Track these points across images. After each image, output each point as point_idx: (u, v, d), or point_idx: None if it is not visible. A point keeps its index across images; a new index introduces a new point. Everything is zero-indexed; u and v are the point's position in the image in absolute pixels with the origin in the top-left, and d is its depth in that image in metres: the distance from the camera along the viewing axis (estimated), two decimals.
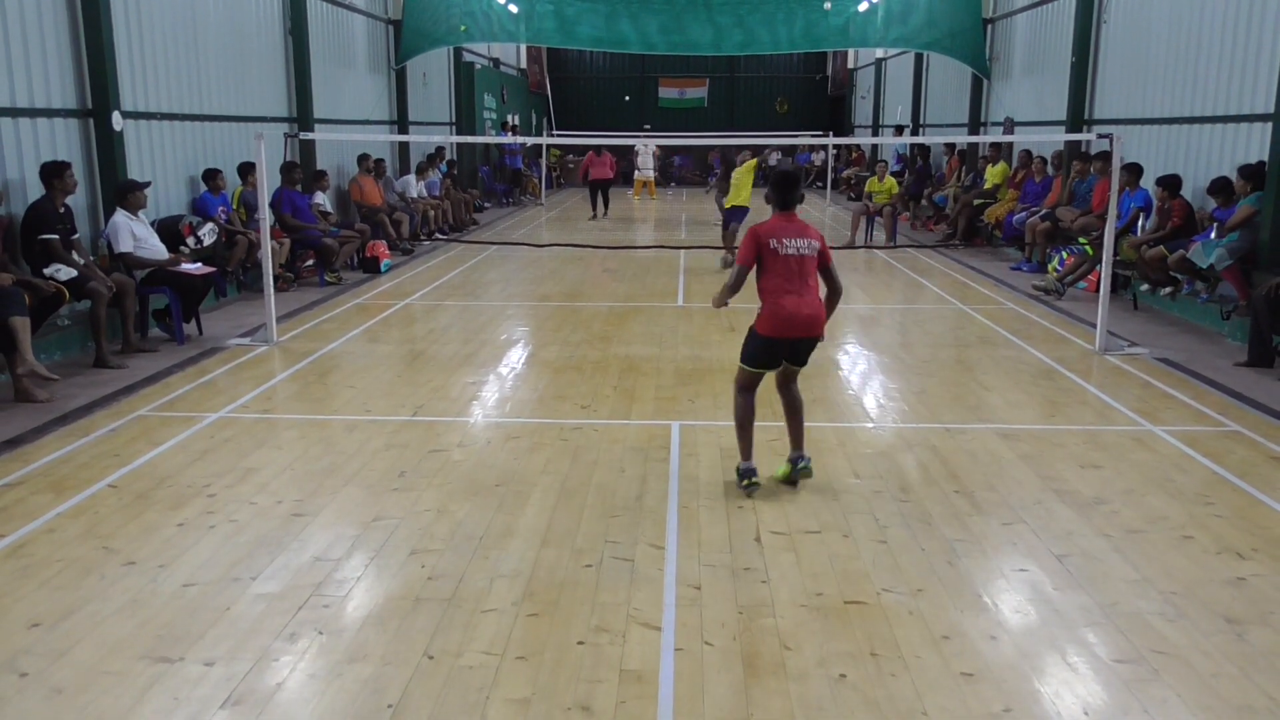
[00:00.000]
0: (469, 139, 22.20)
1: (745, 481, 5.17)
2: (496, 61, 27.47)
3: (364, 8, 16.83)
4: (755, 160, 13.38)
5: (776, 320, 5.13)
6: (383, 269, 12.78)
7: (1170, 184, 10.37)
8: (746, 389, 5.30)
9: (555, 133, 30.43)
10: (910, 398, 7.13)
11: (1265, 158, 9.08)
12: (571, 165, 32.40)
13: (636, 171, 25.83)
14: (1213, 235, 9.44)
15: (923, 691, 3.33)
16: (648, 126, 29.08)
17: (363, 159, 14.77)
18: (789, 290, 5.08)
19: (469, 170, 22.07)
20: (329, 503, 5.01)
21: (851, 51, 31.68)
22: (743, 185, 13.05)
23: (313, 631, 3.72)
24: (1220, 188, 9.78)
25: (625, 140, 21.82)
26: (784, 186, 5.15)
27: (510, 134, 25.50)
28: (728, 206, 13.37)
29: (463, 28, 18.79)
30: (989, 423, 6.46)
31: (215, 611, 3.86)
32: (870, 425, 6.51)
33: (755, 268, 5.17)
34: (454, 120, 22.44)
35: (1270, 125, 9.00)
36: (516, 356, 8.39)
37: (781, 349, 5.21)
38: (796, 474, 5.23)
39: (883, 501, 5.07)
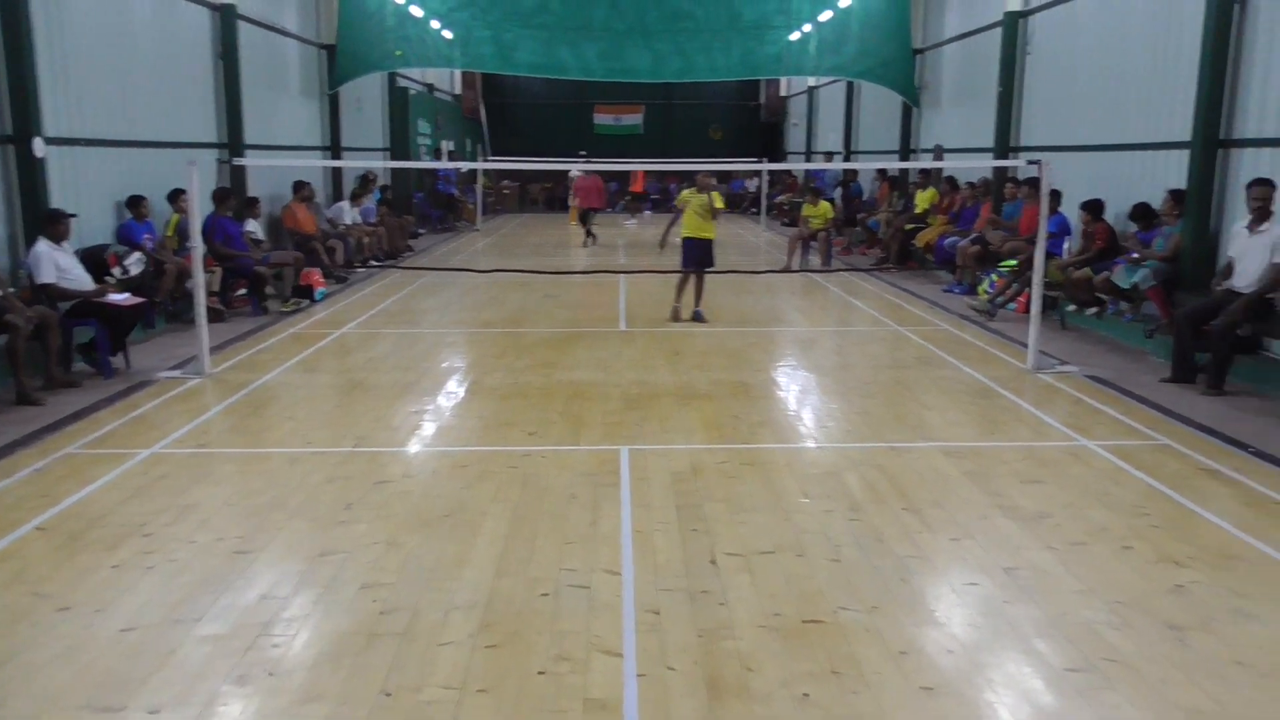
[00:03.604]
0: (404, 164, 22.03)
1: None
2: (431, 87, 27.37)
3: (297, 32, 16.66)
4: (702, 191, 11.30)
5: None
6: (317, 297, 12.58)
7: (1094, 208, 10.74)
8: None
9: (490, 158, 30.36)
10: (853, 418, 7.23)
11: (1184, 184, 9.44)
12: (506, 191, 32.39)
13: (572, 198, 25.88)
14: (1135, 256, 9.78)
15: (885, 707, 3.36)
16: (583, 153, 29.11)
17: (299, 186, 14.56)
18: None
19: (404, 196, 21.89)
20: (273, 538, 4.88)
21: (784, 80, 32.25)
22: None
23: (262, 673, 3.61)
24: (1141, 213, 10.15)
25: (561, 166, 21.80)
26: None
27: (444, 159, 25.39)
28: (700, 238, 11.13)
29: (397, 52, 18.69)
30: (931, 441, 6.57)
31: (158, 656, 3.73)
32: (815, 445, 6.57)
33: None
34: (389, 146, 22.27)
35: (1188, 153, 9.37)
36: (459, 384, 8.31)
37: None
38: None
39: (834, 520, 5.12)
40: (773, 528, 5.02)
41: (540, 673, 3.60)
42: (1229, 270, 8.23)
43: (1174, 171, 9.70)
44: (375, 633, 3.90)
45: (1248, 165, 8.80)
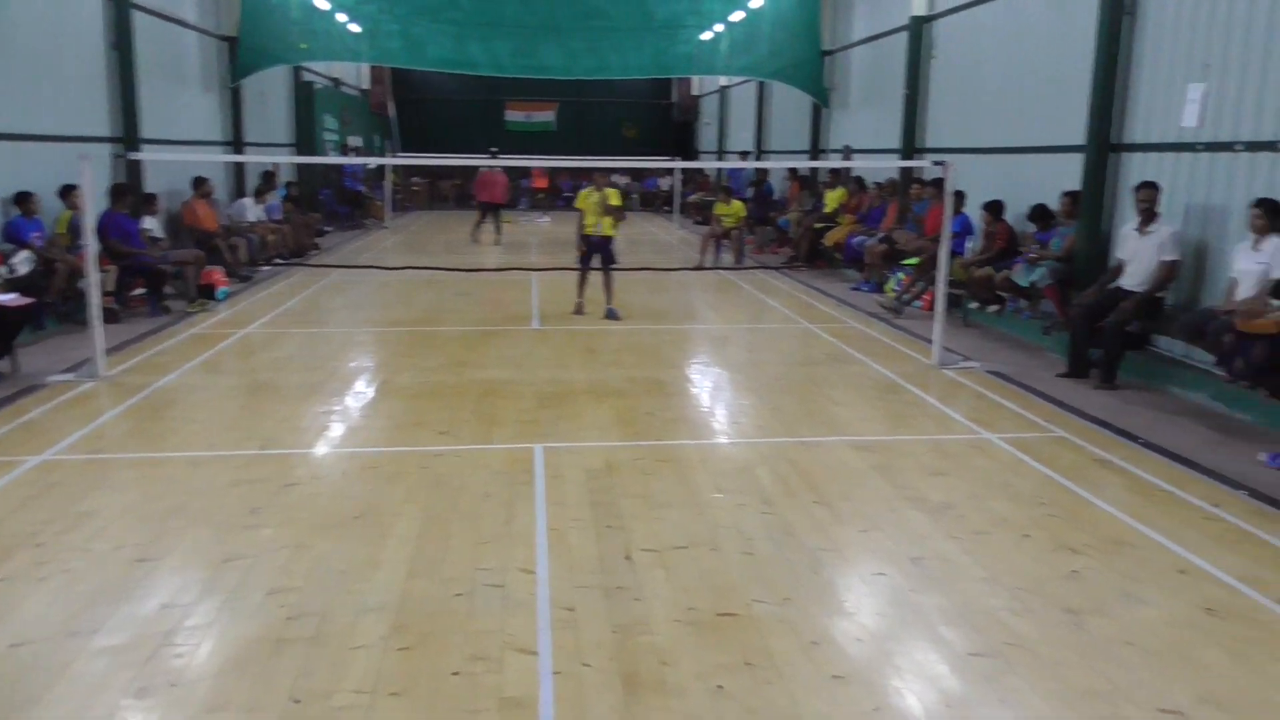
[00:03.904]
0: (310, 160, 21.51)
1: None
2: (337, 81, 26.80)
3: (196, 23, 16.13)
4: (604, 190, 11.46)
5: None
6: (219, 296, 12.21)
7: (994, 209, 11.10)
8: None
9: (400, 155, 29.87)
10: (765, 413, 7.33)
11: (1079, 186, 9.81)
12: (416, 188, 31.91)
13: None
14: (1033, 255, 10.14)
15: (797, 697, 3.42)
16: (495, 149, 28.87)
17: (199, 182, 14.10)
18: None
19: (310, 193, 21.39)
20: (175, 546, 4.72)
21: (696, 79, 32.49)
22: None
23: (165, 684, 3.49)
24: (1039, 214, 10.52)
25: (472, 163, 21.58)
26: None
27: (351, 155, 24.88)
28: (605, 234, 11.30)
29: (302, 45, 18.24)
30: (841, 435, 6.71)
31: (52, 671, 3.57)
32: (728, 441, 6.65)
33: None
34: (294, 141, 21.73)
35: (1082, 156, 9.74)
36: (369, 384, 8.17)
37: None
38: None
39: (747, 514, 5.19)
40: (687, 523, 5.06)
41: (455, 673, 3.56)
42: (1118, 270, 8.59)
43: (1070, 174, 10.08)
44: (283, 638, 3.81)
45: (1136, 169, 9.20)
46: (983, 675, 3.60)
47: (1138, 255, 8.39)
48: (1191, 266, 8.45)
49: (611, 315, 11.12)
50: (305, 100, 22.02)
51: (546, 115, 35.22)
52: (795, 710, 3.34)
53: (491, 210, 20.51)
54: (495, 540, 4.81)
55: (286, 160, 19.38)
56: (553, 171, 32.83)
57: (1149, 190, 8.37)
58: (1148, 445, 6.50)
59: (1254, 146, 7.72)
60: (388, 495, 5.44)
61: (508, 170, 22.05)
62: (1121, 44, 9.32)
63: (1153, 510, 5.32)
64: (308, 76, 22.62)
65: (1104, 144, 9.54)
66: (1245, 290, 7.25)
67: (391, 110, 32.62)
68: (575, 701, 3.39)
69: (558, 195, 32.47)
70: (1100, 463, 6.17)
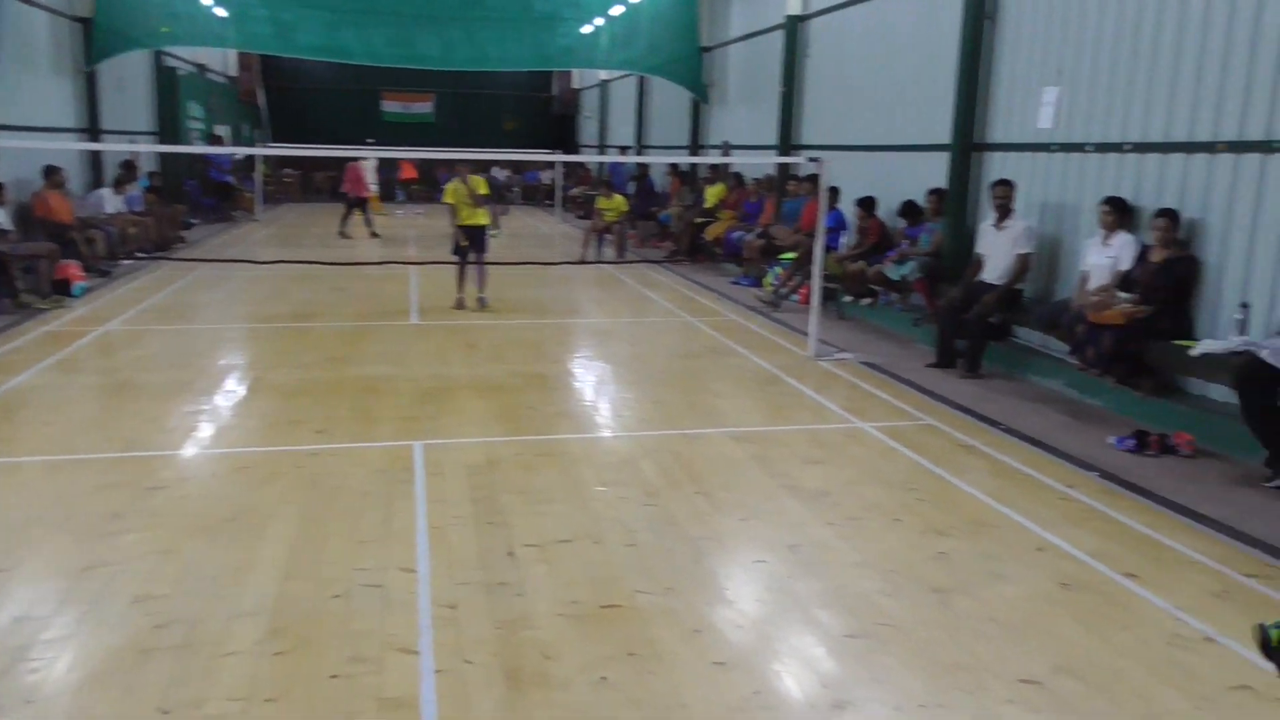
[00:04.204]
0: (173, 149, 20.58)
1: None
2: (203, 68, 25.71)
3: (46, 2, 15.22)
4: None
5: None
6: (75, 292, 11.58)
7: (867, 205, 11.47)
8: None
9: (271, 145, 28.88)
10: (647, 406, 7.40)
11: (945, 184, 10.22)
12: (288, 180, 30.92)
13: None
14: (903, 250, 10.52)
15: (680, 684, 3.48)
16: (371, 140, 28.19)
17: (51, 171, 13.32)
18: None
19: (174, 184, 20.46)
20: (30, 555, 4.47)
21: (576, 72, 32.44)
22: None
23: (20, 702, 3.31)
24: (908, 210, 10.91)
25: (348, 153, 21.01)
26: None
27: (218, 145, 23.93)
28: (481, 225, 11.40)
29: (164, 29, 17.42)
30: (722, 427, 6.83)
31: None
32: (611, 434, 6.69)
33: None
34: (156, 130, 20.75)
35: (948, 155, 10.15)
36: (240, 382, 7.89)
37: None
38: None
39: (629, 507, 5.23)
40: (570, 517, 5.07)
41: (333, 676, 3.49)
42: (979, 265, 8.99)
43: (937, 172, 10.48)
44: (150, 648, 3.66)
45: (996, 168, 9.63)
46: (856, 655, 3.73)
47: (995, 250, 8.80)
48: (1047, 261, 8.91)
49: (483, 304, 11.33)
50: (168, 87, 21.02)
51: (425, 106, 34.59)
52: (678, 698, 3.39)
53: (359, 204, 20.04)
54: (374, 540, 4.72)
55: (148, 149, 18.48)
56: (432, 164, 32.30)
57: (1004, 187, 8.80)
58: (1008, 431, 6.83)
59: (1103, 148, 8.18)
60: (261, 496, 5.28)
61: (383, 162, 21.62)
62: (983, 48, 9.74)
63: (1013, 492, 5.60)
64: (171, 62, 21.62)
65: (968, 143, 9.96)
66: (1096, 283, 7.69)
67: (261, 99, 31.52)
68: (458, 699, 3.36)
69: (436, 188, 31.92)
70: (965, 448, 6.45)
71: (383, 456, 6.00)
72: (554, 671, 3.55)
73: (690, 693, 3.43)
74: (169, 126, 20.91)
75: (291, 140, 28.80)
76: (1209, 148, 7.06)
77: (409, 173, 30.99)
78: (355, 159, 19.90)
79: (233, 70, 29.55)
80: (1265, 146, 6.60)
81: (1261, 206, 6.66)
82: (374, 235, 19.48)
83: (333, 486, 5.44)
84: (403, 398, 7.38)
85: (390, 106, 34.32)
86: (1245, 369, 5.92)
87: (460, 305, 11.27)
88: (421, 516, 5.02)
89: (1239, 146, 6.82)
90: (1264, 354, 5.85)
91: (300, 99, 33.32)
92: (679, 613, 4.03)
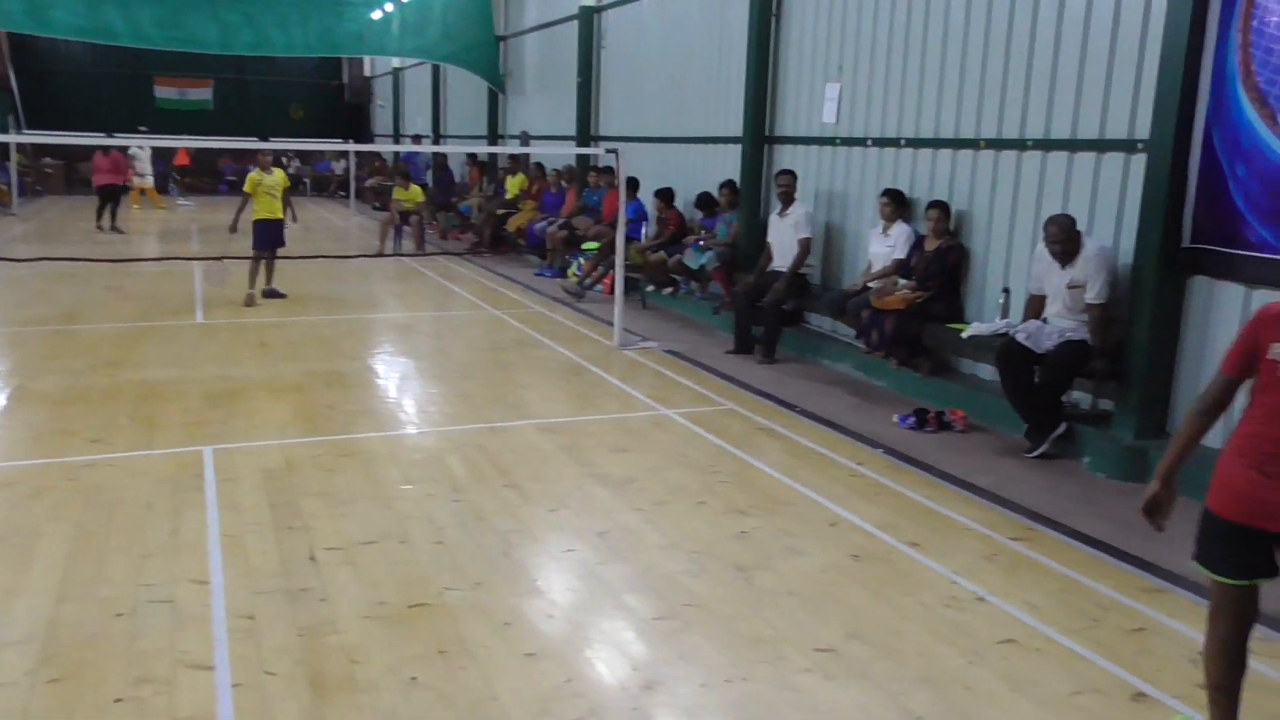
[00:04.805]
0: None
1: None
2: None
3: None
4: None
5: (1232, 490, 2.93)
6: None
7: (665, 196, 11.73)
8: (1223, 615, 3.00)
9: (27, 132, 26.39)
10: (453, 400, 7.30)
11: (739, 176, 10.59)
12: (49, 170, 28.40)
13: (136, 178, 23.35)
14: (701, 241, 10.83)
15: (491, 678, 3.46)
16: (144, 128, 26.25)
17: None
18: (1266, 445, 2.88)
19: None
20: None
21: (368, 60, 31.38)
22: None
23: None
24: (704, 202, 11.24)
25: (117, 142, 19.49)
26: None
27: None
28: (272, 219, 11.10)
29: None
30: (529, 419, 6.82)
31: None
32: (416, 431, 6.55)
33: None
34: None
35: (740, 147, 10.52)
36: (0, 390, 7.20)
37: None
38: None
39: (436, 504, 5.15)
40: (374, 517, 4.94)
41: (117, 700, 3.26)
42: (769, 254, 9.39)
43: (732, 163, 10.85)
44: None
45: (787, 160, 10.07)
46: (664, 636, 3.83)
47: (781, 237, 9.22)
48: (835, 249, 9.41)
49: (274, 294, 11.20)
50: None
51: (203, 93, 32.49)
52: (490, 691, 3.38)
53: (115, 194, 18.73)
54: (160, 553, 4.43)
55: None
56: (215, 154, 30.50)
57: (786, 176, 9.24)
58: (803, 413, 7.17)
59: (881, 142, 8.71)
60: (29, 514, 4.84)
61: (157, 152, 20.18)
62: (771, 43, 10.15)
63: (808, 471, 5.89)
64: None
65: (759, 136, 10.36)
66: (878, 271, 8.19)
67: (12, 82, 28.73)
68: (258, 713, 3.21)
69: (217, 179, 30.25)
70: (764, 431, 6.73)
71: (168, 465, 5.63)
72: (361, 675, 3.45)
73: (501, 685, 3.42)
74: None
75: (51, 128, 26.44)
76: (973, 144, 7.66)
77: (183, 159, 29.16)
78: (106, 149, 18.61)
79: None
80: (1019, 145, 7.22)
81: (1018, 199, 7.28)
82: (116, 230, 18.19)
83: (111, 499, 5.06)
84: (189, 402, 6.95)
85: (164, 92, 32.02)
86: (1004, 350, 6.47)
87: (251, 303, 10.81)
88: (214, 525, 4.75)
89: (998, 144, 7.42)
90: (1020, 336, 6.42)
91: (60, 83, 30.55)
92: (489, 607, 4.01)
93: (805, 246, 9.01)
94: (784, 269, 9.08)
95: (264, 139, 16.65)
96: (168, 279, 12.46)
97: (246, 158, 29.97)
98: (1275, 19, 5.26)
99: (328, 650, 3.62)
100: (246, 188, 11.06)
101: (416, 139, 24.23)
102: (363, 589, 4.13)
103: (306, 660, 3.54)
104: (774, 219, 9.39)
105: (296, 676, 3.43)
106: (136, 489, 5.22)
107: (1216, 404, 2.98)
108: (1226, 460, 2.95)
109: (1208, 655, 3.02)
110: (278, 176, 11.19)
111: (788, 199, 9.17)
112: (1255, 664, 3.18)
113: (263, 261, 11.13)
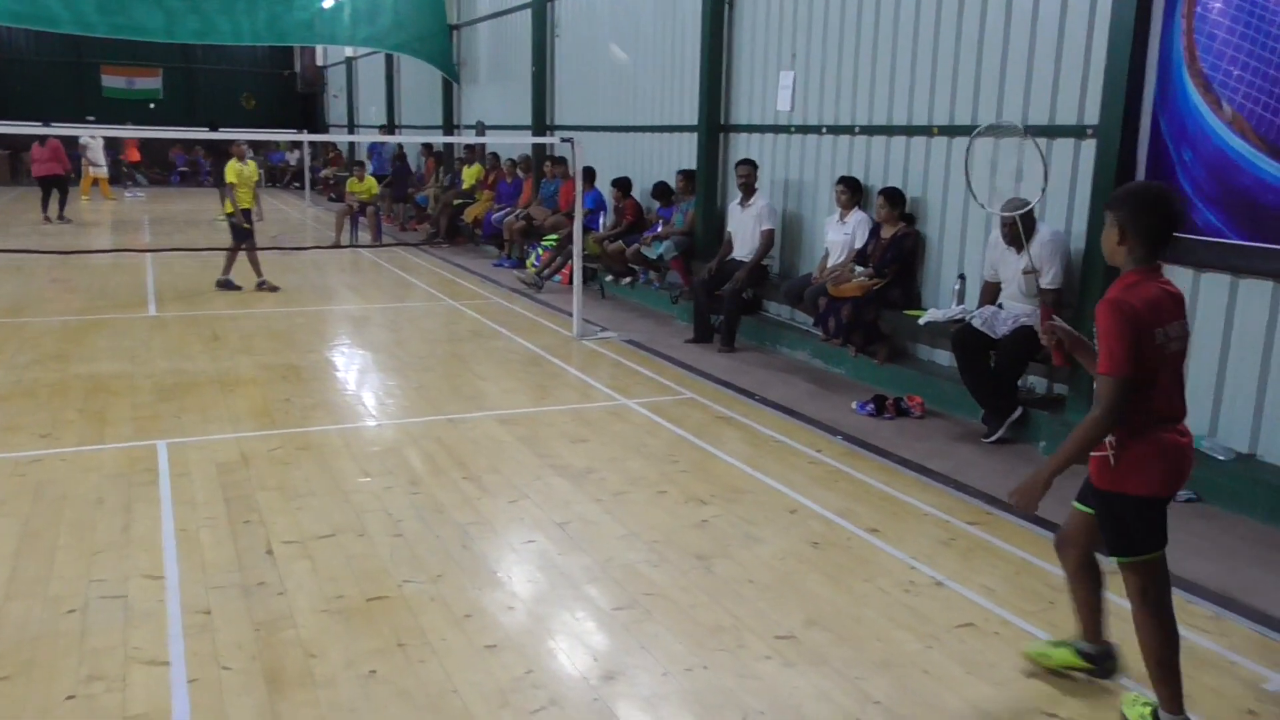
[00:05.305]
0: None
1: None
2: None
3: None
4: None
5: (1169, 463, 3.08)
6: None
7: (622, 185, 11.70)
8: (1160, 583, 3.18)
9: None
10: (410, 393, 7.24)
11: (695, 165, 10.59)
12: None
13: (92, 168, 22.89)
14: (659, 230, 10.83)
15: (451, 671, 3.44)
16: (91, 118, 25.71)
17: None
18: (1178, 409, 3.13)
19: None
20: None
21: (320, 49, 30.93)
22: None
23: None
24: (661, 191, 11.23)
25: (65, 132, 19.08)
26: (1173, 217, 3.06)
27: None
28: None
29: None
30: (488, 410, 6.79)
31: None
32: (374, 423, 6.49)
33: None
34: None
35: (696, 136, 10.52)
36: None
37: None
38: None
39: (395, 496, 5.11)
40: (331, 510, 4.89)
41: (69, 697, 3.20)
42: (729, 244, 9.41)
43: (688, 152, 10.84)
44: None
45: (742, 148, 10.09)
46: (625, 626, 3.83)
47: (742, 228, 9.24)
48: (792, 237, 9.45)
49: (228, 286, 11.29)
50: None
51: (152, 81, 31.85)
52: (449, 684, 3.36)
53: (55, 186, 18.37)
54: (112, 549, 4.35)
55: None
56: (167, 144, 29.96)
57: (746, 167, 9.24)
58: (762, 401, 7.21)
59: (835, 130, 8.76)
60: None
61: (109, 142, 19.76)
62: (724, 32, 10.15)
63: (767, 459, 5.92)
64: None
65: (715, 125, 10.36)
66: (835, 258, 8.24)
67: None
68: (213, 708, 3.17)
69: (171, 169, 29.72)
70: (723, 419, 6.75)
71: (120, 459, 5.53)
72: (318, 669, 3.42)
73: (461, 678, 3.40)
74: None
75: None
76: (926, 131, 7.72)
77: (132, 154, 28.59)
78: (44, 139, 18.28)
79: None
80: (971, 131, 7.29)
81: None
82: (64, 220, 17.97)
83: (59, 495, 4.96)
84: (141, 395, 6.83)
85: (111, 81, 31.36)
86: (960, 335, 6.55)
87: (271, 288, 11.29)
88: (168, 520, 4.68)
89: (950, 130, 7.50)
90: (975, 321, 6.50)
91: (1, 70, 29.84)
92: (448, 599, 3.98)
93: (769, 238, 9.05)
94: (744, 259, 9.10)
95: (214, 129, 16.38)
96: (117, 271, 12.22)
97: (197, 148, 29.50)
98: (1218, 4, 5.36)
99: (285, 644, 3.58)
100: (230, 178, 11.05)
101: (383, 129, 23.81)
102: (320, 583, 4.08)
103: (263, 655, 3.50)
104: (734, 209, 9.41)
105: (253, 671, 3.39)
106: (87, 484, 5.12)
107: (1122, 407, 2.99)
108: (1152, 442, 3.05)
109: (1151, 632, 3.12)
110: (250, 167, 11.34)
111: (748, 189, 9.18)
112: (1185, 632, 3.25)
113: (239, 252, 11.30)
